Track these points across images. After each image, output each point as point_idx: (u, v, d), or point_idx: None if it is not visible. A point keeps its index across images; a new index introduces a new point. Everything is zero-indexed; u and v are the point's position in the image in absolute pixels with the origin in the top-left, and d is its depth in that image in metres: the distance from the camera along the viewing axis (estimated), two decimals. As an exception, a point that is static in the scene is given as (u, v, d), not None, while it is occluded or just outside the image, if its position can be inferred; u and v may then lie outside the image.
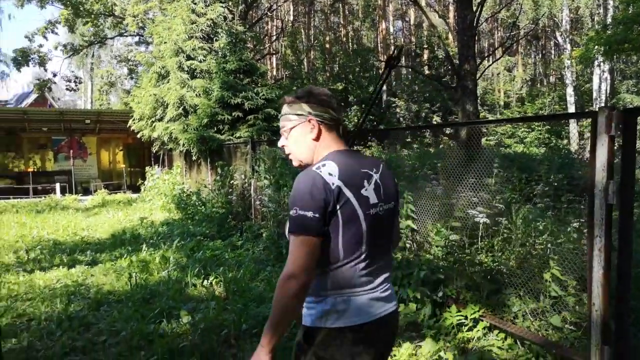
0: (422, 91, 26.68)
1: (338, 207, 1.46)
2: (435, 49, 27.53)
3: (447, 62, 27.46)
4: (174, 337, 3.77)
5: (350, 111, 24.82)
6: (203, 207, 9.13)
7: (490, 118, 25.85)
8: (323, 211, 1.43)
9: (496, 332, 3.45)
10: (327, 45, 30.52)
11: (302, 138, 1.60)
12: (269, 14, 25.95)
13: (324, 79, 27.12)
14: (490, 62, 25.54)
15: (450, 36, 29.00)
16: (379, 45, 32.33)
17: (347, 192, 1.48)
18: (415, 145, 22.35)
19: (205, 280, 5.23)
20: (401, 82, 29.88)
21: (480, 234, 4.07)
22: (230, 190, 8.82)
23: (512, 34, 25.16)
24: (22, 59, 19.60)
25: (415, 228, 4.57)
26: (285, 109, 1.64)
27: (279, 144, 1.69)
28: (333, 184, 1.46)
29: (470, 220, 4.15)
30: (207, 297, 4.78)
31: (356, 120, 24.75)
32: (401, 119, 26.30)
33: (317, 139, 1.60)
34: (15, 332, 4.00)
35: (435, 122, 24.93)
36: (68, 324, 4.16)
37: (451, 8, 27.28)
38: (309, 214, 1.40)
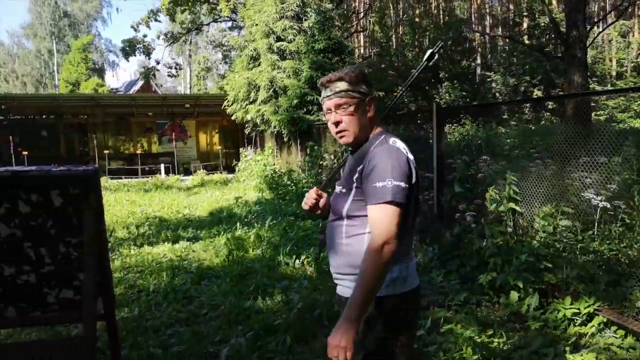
0: (521, 63, 24.77)
1: (414, 180, 1.59)
2: (537, 16, 25.36)
3: (552, 30, 25.23)
4: (269, 313, 3.86)
5: (441, 88, 23.82)
6: (294, 187, 9.30)
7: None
8: (410, 183, 1.56)
9: (614, 328, 3.10)
10: (417, 20, 29.41)
11: (361, 116, 1.67)
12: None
13: (413, 55, 26.23)
14: (602, 27, 22.95)
15: (554, 1, 26.59)
16: (472, 15, 30.52)
17: (415, 168, 1.63)
18: (513, 122, 20.91)
19: (297, 260, 5.32)
20: (497, 54, 28.02)
21: (596, 219, 3.66)
22: (320, 170, 8.88)
23: (628, -6, 22.37)
24: (129, 48, 21.23)
25: (520, 210, 4.24)
26: (343, 85, 1.66)
27: (332, 119, 1.69)
28: (410, 159, 1.61)
29: (584, 204, 3.74)
30: (299, 276, 4.86)
31: (447, 98, 23.73)
32: (497, 94, 24.73)
33: (372, 118, 1.71)
34: (127, 302, 4.35)
35: (535, 96, 23.11)
36: (173, 296, 4.44)
37: (556, -30, 24.89)
38: (403, 184, 1.51)
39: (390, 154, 1.57)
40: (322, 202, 1.88)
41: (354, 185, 1.64)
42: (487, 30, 28.15)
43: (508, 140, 10.14)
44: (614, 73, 28.17)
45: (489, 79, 25.03)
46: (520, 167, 5.42)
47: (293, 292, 4.31)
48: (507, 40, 28.65)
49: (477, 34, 27.35)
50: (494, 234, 4.25)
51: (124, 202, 10.32)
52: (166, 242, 6.51)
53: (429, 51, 2.01)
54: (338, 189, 1.76)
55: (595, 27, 19.29)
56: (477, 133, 12.05)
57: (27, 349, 2.54)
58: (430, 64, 2.01)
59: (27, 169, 2.06)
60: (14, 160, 16.64)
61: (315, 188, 1.89)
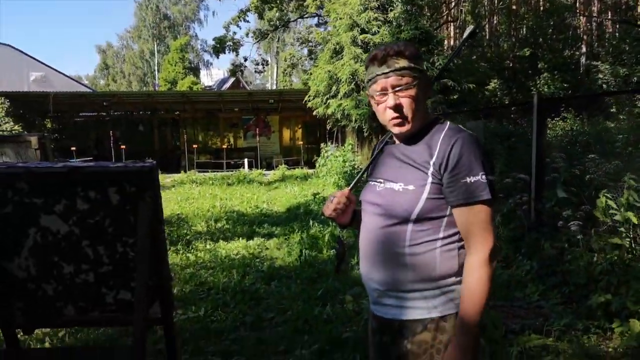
0: (634, 51, 22.11)
1: None
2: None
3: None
4: (338, 324, 3.54)
5: (539, 79, 21.98)
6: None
7: None
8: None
9: None
10: (514, 7, 27.44)
11: (423, 99, 1.42)
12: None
13: (508, 45, 24.51)
14: None
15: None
16: (577, 1, 27.86)
17: None
18: (622, 116, 18.71)
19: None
20: (606, 41, 25.30)
21: None
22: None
23: None
24: (219, 46, 21.98)
25: (635, 221, 3.51)
26: (404, 62, 1.37)
27: (391, 102, 1.37)
28: None
29: None
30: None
31: (546, 90, 21.84)
32: (604, 85, 22.33)
33: (427, 99, 1.48)
34: (195, 300, 4.25)
35: (651, 88, 20.50)
36: (241, 297, 4.28)
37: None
38: (493, 178, 1.31)
39: (473, 142, 1.33)
40: (352, 207, 1.56)
41: (429, 180, 1.33)
42: (595, 16, 25.52)
43: (620, 136, 8.90)
44: None
45: (594, 69, 22.68)
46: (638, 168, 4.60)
47: (365, 300, 3.97)
48: (618, 26, 25.78)
49: (583, 20, 24.89)
50: (606, 248, 3.57)
51: (207, 195, 10.56)
52: (241, 238, 6.45)
53: (470, 28, 1.68)
54: (388, 185, 1.41)
55: None
56: (581, 128, 10.80)
57: (76, 354, 2.43)
58: (472, 40, 1.63)
59: (85, 165, 1.97)
60: (113, 154, 17.92)
61: (347, 189, 1.56)
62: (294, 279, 4.75)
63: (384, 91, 1.38)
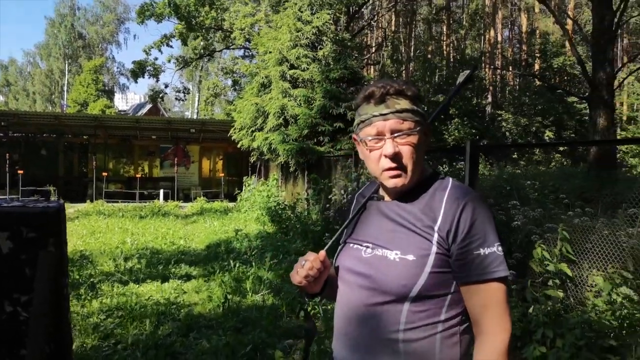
0: (533, 104, 24.45)
1: None
2: (549, 57, 25.19)
3: (565, 73, 25.00)
4: (267, 385, 3.16)
5: (450, 124, 23.43)
6: (298, 222, 8.63)
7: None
8: None
9: None
10: (429, 56, 29.34)
11: (423, 148, 1.19)
12: (372, 22, 25.49)
13: (424, 90, 25.97)
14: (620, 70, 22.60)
15: (566, 44, 26.49)
16: (483, 55, 30.46)
17: None
18: (522, 162, 20.35)
19: (302, 310, 4.61)
20: (508, 93, 27.76)
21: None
22: (328, 205, 8.24)
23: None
24: (138, 70, 20.97)
25: (570, 275, 3.55)
26: (406, 103, 1.15)
27: (389, 150, 1.13)
28: None
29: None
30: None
31: (456, 134, 23.28)
32: (507, 133, 24.32)
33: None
34: (99, 358, 3.64)
35: (547, 138, 22.67)
36: (154, 353, 3.74)
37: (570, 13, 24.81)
38: (502, 249, 1.11)
39: (484, 205, 1.13)
40: (325, 272, 1.26)
41: (434, 249, 1.10)
42: (498, 70, 28.02)
43: (528, 183, 9.50)
44: (624, 117, 27.80)
45: (499, 118, 24.67)
46: (562, 217, 4.77)
47: (298, 354, 3.63)
48: (519, 79, 28.47)
49: (489, 72, 27.17)
50: (540, 300, 3.55)
51: (116, 229, 9.65)
52: (155, 280, 5.82)
53: (465, 73, 1.47)
54: (380, 252, 1.15)
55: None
56: (493, 173, 11.44)
57: None
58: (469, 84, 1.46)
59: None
60: (7, 179, 16.06)
61: (322, 253, 1.24)
62: (215, 329, 4.29)
63: (380, 136, 1.14)
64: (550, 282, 3.67)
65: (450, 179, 1.20)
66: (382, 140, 1.14)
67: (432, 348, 1.09)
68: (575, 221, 4.49)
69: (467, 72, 1.37)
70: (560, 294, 3.50)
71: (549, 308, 3.49)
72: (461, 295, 1.11)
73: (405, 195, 1.18)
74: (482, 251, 1.07)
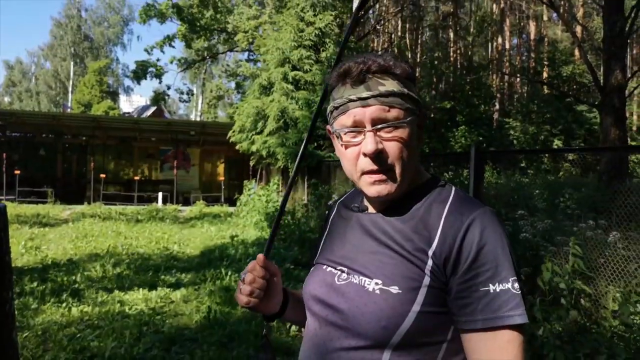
0: (541, 112, 24.11)
1: None
2: (558, 65, 24.87)
3: (574, 81, 24.65)
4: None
5: (457, 131, 23.12)
6: (297, 228, 8.34)
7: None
8: None
9: None
10: (436, 62, 29.11)
11: (415, 145, 0.89)
12: (378, 27, 25.29)
13: (430, 97, 25.69)
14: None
15: (575, 52, 26.16)
16: (491, 63, 30.18)
17: None
18: (531, 171, 19.99)
19: (293, 325, 4.31)
20: (516, 101, 27.46)
21: None
22: (327, 212, 7.94)
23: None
24: (140, 71, 20.78)
25: (589, 291, 3.23)
26: (393, 84, 0.86)
27: (369, 147, 0.84)
28: None
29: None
30: (296, 349, 3.84)
31: (463, 142, 22.96)
32: (515, 141, 23.98)
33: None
34: (70, 374, 3.35)
35: (556, 147, 22.30)
36: (132, 370, 3.44)
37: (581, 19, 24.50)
38: (522, 285, 0.80)
39: (497, 224, 0.82)
40: (276, 280, 1.04)
41: (426, 281, 0.82)
42: (506, 78, 27.73)
43: (537, 192, 9.17)
44: (634, 127, 27.43)
45: (507, 126, 24.33)
46: (573, 230, 4.46)
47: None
48: (527, 87, 28.13)
49: (496, 79, 26.89)
50: (549, 319, 3.24)
51: (109, 232, 9.37)
52: (142, 288, 5.53)
53: None
54: (355, 280, 0.87)
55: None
56: (500, 181, 11.11)
57: None
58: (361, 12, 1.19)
59: None
60: (4, 180, 15.86)
61: (260, 256, 1.01)
62: (200, 344, 4.00)
63: (358, 127, 0.85)
64: (562, 300, 3.37)
65: (454, 188, 0.91)
66: (361, 134, 0.85)
67: None
68: (589, 234, 4.19)
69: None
70: (575, 314, 3.19)
71: (560, 329, 3.18)
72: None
73: (394, 206, 0.89)
74: (491, 287, 0.78)
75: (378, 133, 0.84)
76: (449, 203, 0.86)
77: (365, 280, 0.85)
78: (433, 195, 0.89)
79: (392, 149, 0.85)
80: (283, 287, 1.08)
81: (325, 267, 0.95)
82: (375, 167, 0.85)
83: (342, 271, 0.90)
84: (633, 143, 22.20)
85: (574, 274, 3.19)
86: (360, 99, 0.84)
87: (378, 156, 0.84)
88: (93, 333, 4.15)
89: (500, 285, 0.77)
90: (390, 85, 0.85)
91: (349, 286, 0.87)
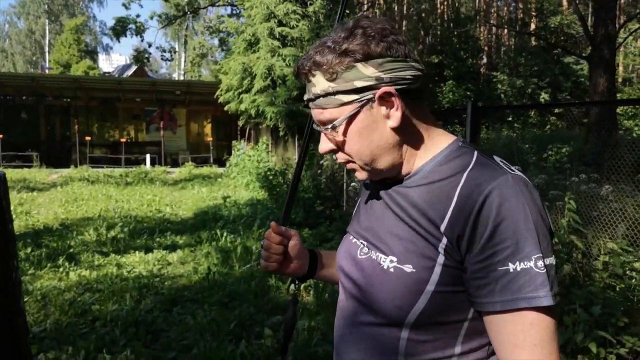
0: (529, 64, 23.95)
1: None
2: (546, 16, 24.51)
3: (562, 32, 24.39)
4: (255, 365, 2.94)
5: (445, 86, 22.94)
6: (289, 188, 8.35)
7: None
8: None
9: None
10: (423, 15, 28.49)
11: (375, 131, 0.81)
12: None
13: (418, 51, 25.31)
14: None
15: (564, 1, 25.76)
16: (478, 14, 29.63)
17: None
18: (518, 125, 20.06)
19: (293, 284, 4.38)
20: (503, 54, 27.20)
21: None
22: (320, 171, 7.94)
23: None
24: (120, 28, 20.02)
25: (581, 247, 3.31)
26: (321, 83, 0.80)
27: (320, 149, 0.87)
28: None
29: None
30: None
31: (450, 97, 22.85)
32: (502, 95, 23.92)
33: (410, 120, 0.82)
34: (74, 337, 3.39)
35: (543, 100, 22.33)
36: (134, 330, 3.51)
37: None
38: (554, 261, 0.73)
39: (521, 194, 0.72)
40: (292, 244, 1.03)
41: (440, 260, 0.76)
42: (493, 30, 27.33)
43: (526, 146, 9.24)
44: (619, 79, 27.48)
45: (494, 80, 24.20)
46: (565, 184, 4.52)
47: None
48: (514, 39, 27.81)
49: (484, 32, 26.50)
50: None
51: (99, 196, 9.30)
52: (138, 251, 5.55)
53: None
54: (374, 255, 0.84)
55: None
56: (489, 136, 11.16)
57: None
58: None
59: None
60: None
61: (272, 224, 1.04)
62: (200, 304, 4.05)
63: (318, 126, 0.87)
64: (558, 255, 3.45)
65: (476, 152, 0.81)
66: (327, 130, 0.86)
67: None
68: (583, 188, 4.25)
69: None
70: (569, 269, 3.27)
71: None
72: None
73: (412, 177, 0.85)
74: (511, 267, 0.71)
75: (330, 132, 0.83)
76: (467, 172, 0.78)
77: (381, 257, 0.82)
78: (452, 163, 0.82)
79: (345, 145, 0.83)
80: (312, 249, 1.10)
81: (351, 237, 0.94)
82: (342, 160, 0.86)
83: (364, 244, 0.89)
84: (618, 95, 22.29)
85: (569, 227, 3.25)
86: (304, 100, 0.87)
87: (337, 152, 0.85)
88: (93, 297, 4.18)
89: (522, 263, 0.70)
90: (320, 85, 0.80)
91: (367, 261, 0.86)
